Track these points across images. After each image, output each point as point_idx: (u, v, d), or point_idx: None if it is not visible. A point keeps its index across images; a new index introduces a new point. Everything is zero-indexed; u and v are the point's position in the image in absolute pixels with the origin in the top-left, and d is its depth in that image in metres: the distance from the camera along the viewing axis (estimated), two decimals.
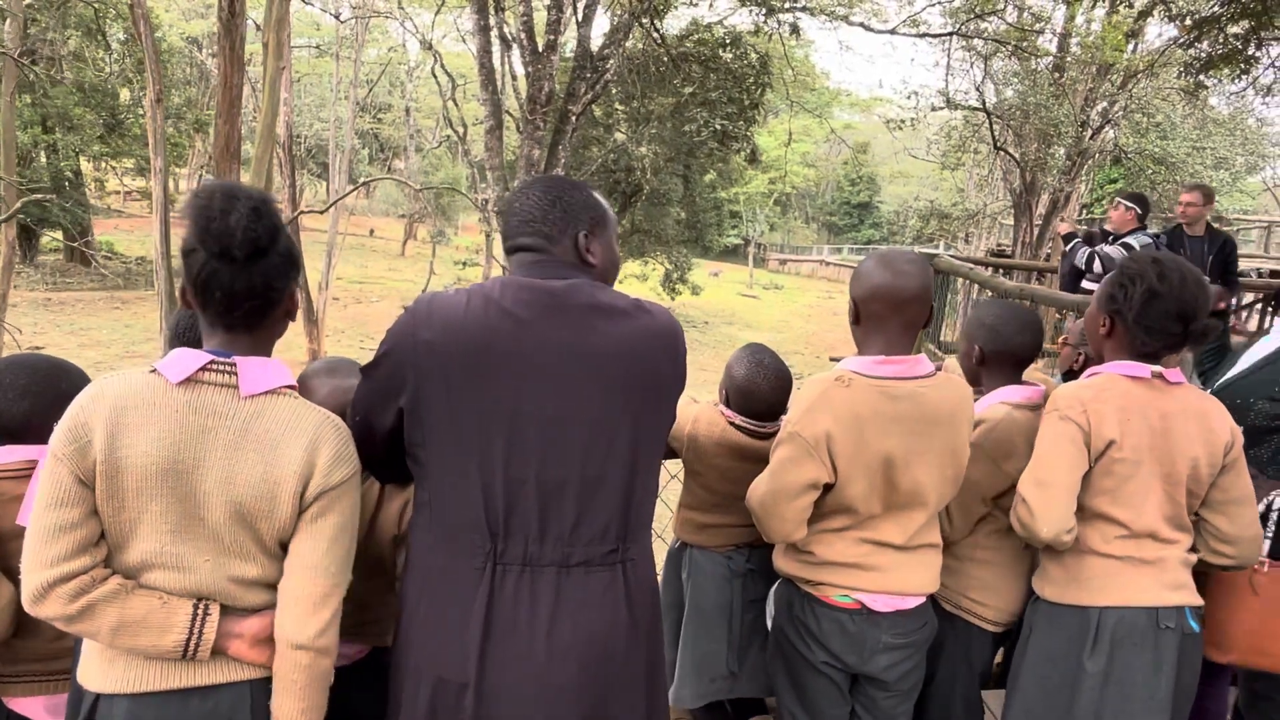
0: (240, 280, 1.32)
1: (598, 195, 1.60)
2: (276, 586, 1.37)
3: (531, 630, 1.39)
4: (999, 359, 2.10)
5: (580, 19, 13.04)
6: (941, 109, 14.95)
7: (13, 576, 1.39)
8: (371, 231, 36.73)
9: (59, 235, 20.02)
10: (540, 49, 12.22)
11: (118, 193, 30.92)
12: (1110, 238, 5.63)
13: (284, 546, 1.38)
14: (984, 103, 14.14)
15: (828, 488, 1.79)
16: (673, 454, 2.20)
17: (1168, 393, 1.85)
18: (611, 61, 13.56)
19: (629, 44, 13.75)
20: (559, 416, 1.40)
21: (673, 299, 25.79)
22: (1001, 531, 2.03)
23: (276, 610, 1.36)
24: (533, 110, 12.31)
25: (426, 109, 37.35)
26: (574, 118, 12.87)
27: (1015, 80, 14.36)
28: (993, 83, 15.34)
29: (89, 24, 18.37)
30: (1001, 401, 2.04)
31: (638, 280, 25.76)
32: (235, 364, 1.34)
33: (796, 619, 1.91)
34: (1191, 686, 1.88)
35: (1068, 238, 5.82)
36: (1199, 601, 1.88)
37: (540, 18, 12.63)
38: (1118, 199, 5.74)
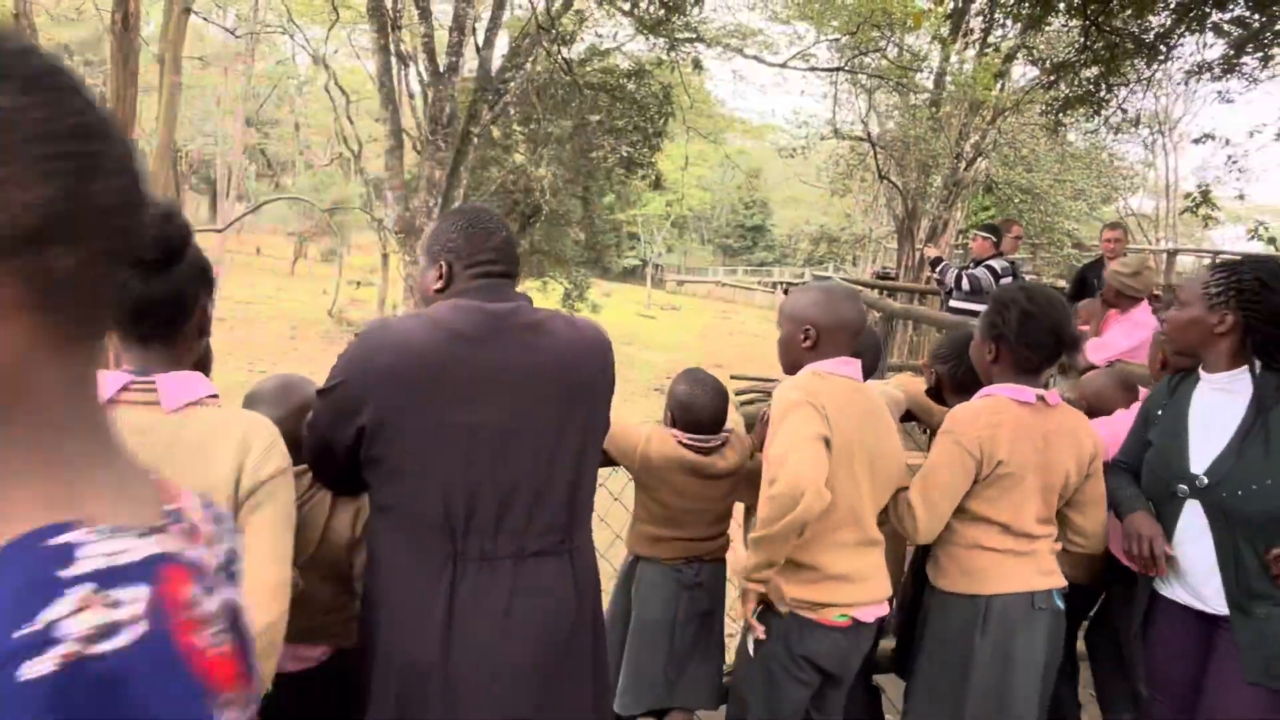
0: (152, 288, 1.34)
1: None
2: None
3: (490, 615, 1.52)
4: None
5: (482, 41, 13.13)
6: (829, 138, 15.74)
7: None
8: (258, 250, 35.45)
9: None
10: (441, 70, 12.25)
11: None
12: (973, 262, 6.36)
13: None
14: (869, 133, 14.99)
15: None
16: (612, 464, 2.35)
17: (1047, 414, 2.12)
18: (512, 84, 13.73)
19: (530, 67, 13.95)
20: (509, 427, 1.55)
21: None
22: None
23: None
24: (434, 131, 12.31)
25: (316, 124, 36.40)
26: (475, 138, 12.92)
27: (897, 113, 15.29)
28: (876, 115, 16.26)
29: None
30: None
31: (538, 296, 25.78)
32: (154, 381, 1.38)
33: (790, 649, 2.02)
34: (1058, 654, 2.17)
35: (934, 261, 6.47)
36: (1064, 583, 2.17)
37: (441, 38, 12.66)
38: (975, 232, 6.69)
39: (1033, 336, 2.08)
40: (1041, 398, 2.12)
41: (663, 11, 12.02)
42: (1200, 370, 2.08)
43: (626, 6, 12.97)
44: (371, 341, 1.55)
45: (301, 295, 26.52)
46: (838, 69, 14.32)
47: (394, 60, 12.60)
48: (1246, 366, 1.98)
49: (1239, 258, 2.10)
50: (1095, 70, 8.79)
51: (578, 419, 1.63)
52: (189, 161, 30.91)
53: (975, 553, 2.11)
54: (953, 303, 6.26)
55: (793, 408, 1.92)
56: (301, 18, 22.55)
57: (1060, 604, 2.14)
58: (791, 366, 2.07)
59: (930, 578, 2.20)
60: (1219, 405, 2.02)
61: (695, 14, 12.78)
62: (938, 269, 6.55)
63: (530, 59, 13.00)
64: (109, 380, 1.36)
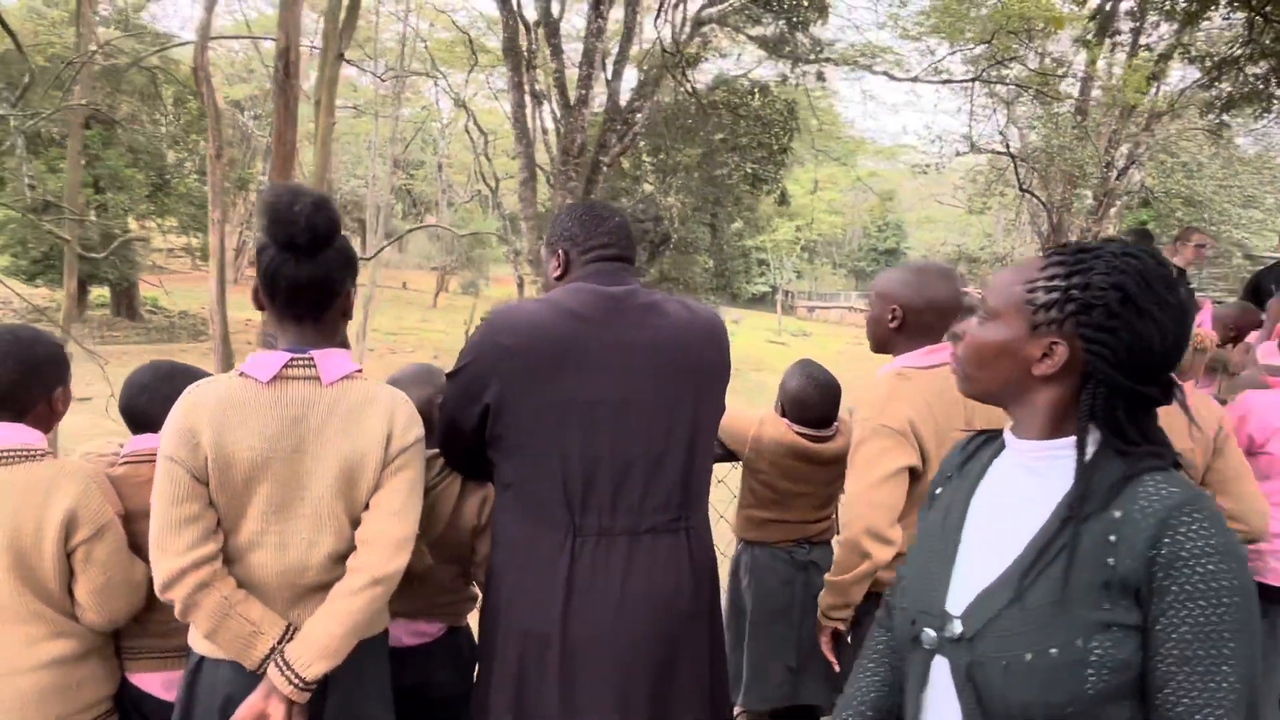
0: (303, 271, 1.49)
1: None
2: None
3: (607, 588, 1.56)
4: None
5: (610, 74, 13.48)
6: (965, 154, 15.18)
7: (144, 555, 1.57)
8: (404, 284, 37.47)
9: (106, 292, 20.73)
10: (572, 103, 12.65)
11: (160, 250, 32.02)
12: None
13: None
14: (1008, 146, 14.35)
15: (915, 477, 1.86)
16: (731, 456, 2.36)
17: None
18: (640, 114, 14.01)
19: (658, 96, 14.18)
20: (624, 403, 1.59)
21: None
22: None
23: (358, 553, 1.52)
24: (564, 162, 12.70)
25: (458, 164, 38.32)
26: (604, 168, 13.24)
27: (1039, 124, 14.58)
28: (1016, 127, 15.57)
29: (143, 89, 19.28)
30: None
31: None
32: (313, 358, 1.52)
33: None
34: None
35: None
36: None
37: (572, 74, 13.10)
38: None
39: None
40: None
41: (785, 28, 12.02)
42: (1006, 431, 1.19)
43: (751, 31, 13.04)
44: (495, 324, 1.62)
45: (443, 325, 27.83)
46: (973, 80, 13.82)
47: (528, 97, 13.12)
48: (1074, 436, 1.08)
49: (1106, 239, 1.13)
50: (1263, 66, 8.12)
51: (692, 396, 1.65)
52: (342, 202, 33.09)
53: None
54: None
55: (869, 437, 1.84)
56: (444, 64, 23.90)
57: None
58: (879, 346, 2.01)
59: None
60: (1020, 496, 1.14)
61: (818, 26, 12.72)
62: None
63: (657, 88, 13.23)
64: (271, 359, 1.50)
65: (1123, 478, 1.02)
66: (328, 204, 1.52)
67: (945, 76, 14.19)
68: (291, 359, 1.52)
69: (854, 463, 1.87)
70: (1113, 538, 1.00)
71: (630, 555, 1.58)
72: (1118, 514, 1.00)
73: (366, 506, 1.55)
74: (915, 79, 14.00)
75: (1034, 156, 14.31)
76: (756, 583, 2.34)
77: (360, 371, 1.59)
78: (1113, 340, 1.02)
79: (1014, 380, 1.11)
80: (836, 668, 1.95)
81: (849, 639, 1.98)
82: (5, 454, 1.57)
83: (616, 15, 13.27)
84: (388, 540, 1.52)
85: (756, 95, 13.87)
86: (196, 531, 1.43)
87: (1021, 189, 14.27)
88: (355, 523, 1.55)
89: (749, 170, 14.56)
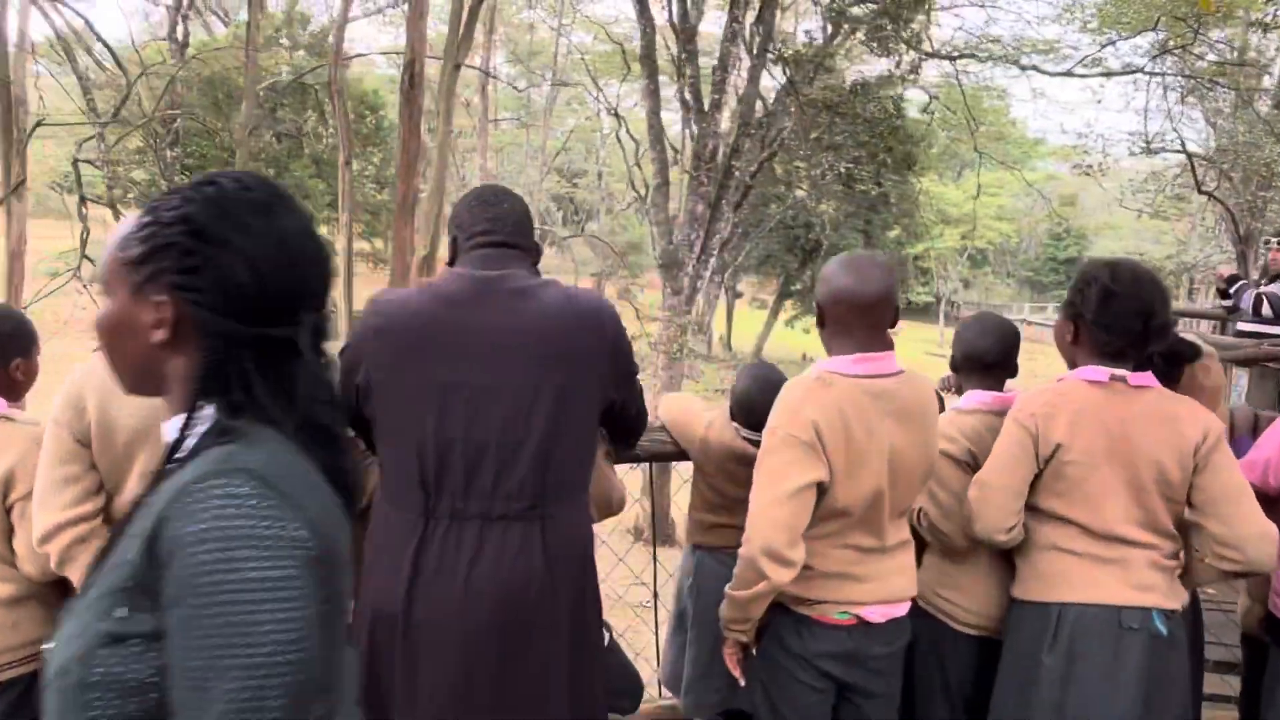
0: None
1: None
2: None
3: (454, 572, 1.57)
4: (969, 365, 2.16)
5: (746, 78, 13.39)
6: (1139, 154, 13.93)
7: None
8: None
9: None
10: (705, 108, 12.66)
11: (338, 254, 34.77)
12: (1267, 279, 5.27)
13: None
14: (1184, 145, 13.03)
15: (823, 491, 1.78)
16: (683, 455, 2.32)
17: (1130, 396, 1.82)
18: (781, 118, 13.81)
19: (800, 99, 13.89)
20: (483, 387, 1.59)
21: None
22: None
23: None
24: (696, 167, 12.72)
25: (619, 173, 39.24)
26: (737, 173, 13.15)
27: (1222, 119, 13.16)
28: (1200, 123, 14.14)
29: (324, 105, 21.07)
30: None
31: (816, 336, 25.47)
32: None
33: (788, 647, 1.87)
34: (1174, 694, 1.80)
35: (1230, 280, 5.43)
36: (1172, 605, 1.81)
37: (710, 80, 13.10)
38: (1269, 238, 5.51)
39: (1112, 318, 1.82)
40: (1120, 378, 1.81)
41: (891, 26, 11.47)
42: None
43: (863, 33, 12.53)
44: (369, 308, 1.68)
45: None
46: (1140, 72, 12.64)
47: (678, 102, 13.25)
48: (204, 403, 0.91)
49: None
50: None
51: (557, 385, 1.62)
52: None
53: (1052, 555, 1.85)
54: (1241, 325, 5.28)
55: (776, 448, 1.75)
56: (602, 74, 24.64)
57: (1162, 628, 1.78)
58: (827, 352, 1.89)
59: (1010, 592, 1.94)
60: None
61: (924, 21, 12.10)
62: (1232, 288, 5.54)
63: (794, 92, 13.00)
64: None
65: (191, 452, 0.86)
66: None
67: (1106, 69, 13.07)
68: None
69: (759, 474, 1.79)
70: (136, 528, 0.83)
71: (481, 541, 1.58)
72: (151, 498, 0.84)
73: None
74: (1068, 73, 12.98)
75: (1218, 156, 12.91)
76: (699, 587, 2.27)
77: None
78: (198, 280, 0.87)
79: (144, 358, 0.93)
80: (742, 681, 1.88)
81: (754, 651, 1.90)
82: None
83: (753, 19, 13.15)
84: None
85: (858, 95, 13.29)
86: (76, 490, 1.57)
87: (1200, 191, 12.91)
88: None
89: (841, 170, 13.98)
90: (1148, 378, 1.86)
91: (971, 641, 2.04)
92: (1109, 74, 12.93)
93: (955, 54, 14.66)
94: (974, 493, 1.88)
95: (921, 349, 33.63)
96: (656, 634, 2.95)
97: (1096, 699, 1.76)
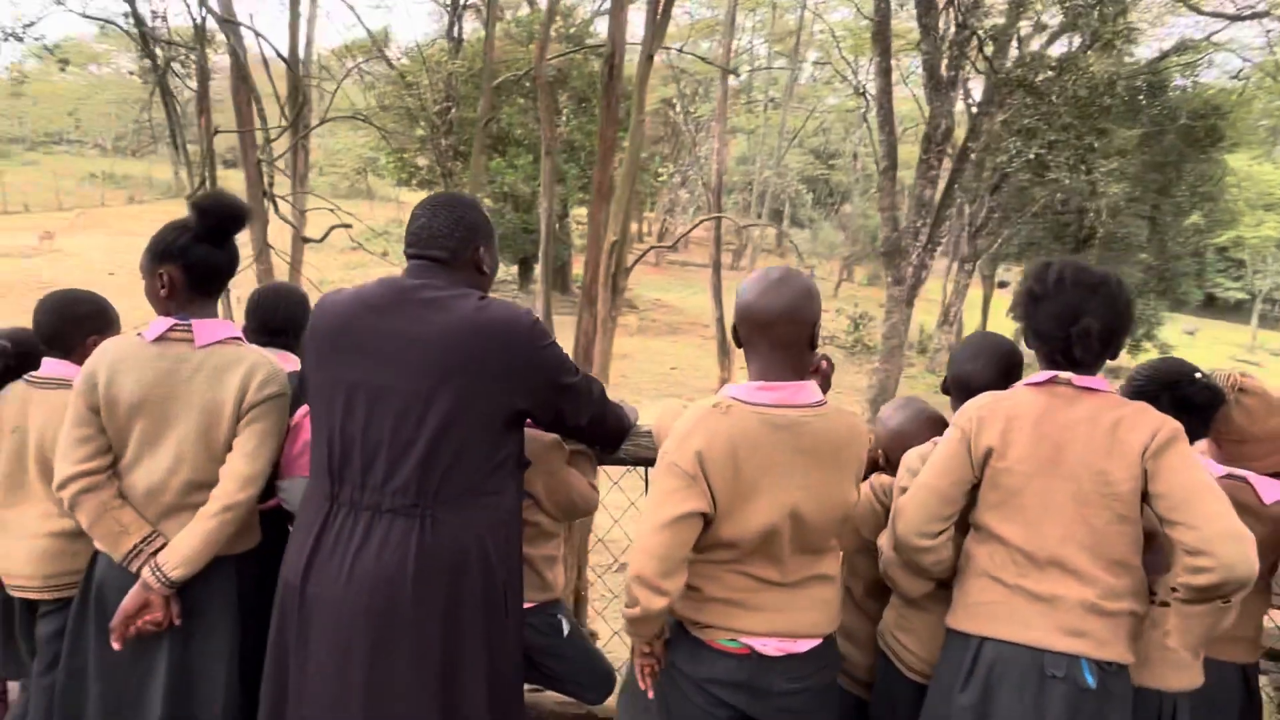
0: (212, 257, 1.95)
1: (486, 212, 1.88)
2: (208, 491, 1.88)
3: (343, 558, 1.71)
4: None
5: (990, 51, 12.34)
6: None
7: None
8: (811, 271, 37.97)
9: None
10: (941, 85, 11.86)
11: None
12: None
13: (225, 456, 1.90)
14: None
15: (709, 521, 1.70)
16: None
17: (1071, 400, 1.67)
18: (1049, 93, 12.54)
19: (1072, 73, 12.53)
20: (382, 387, 1.70)
21: (1134, 358, 22.34)
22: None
23: (217, 486, 1.87)
24: (926, 149, 11.98)
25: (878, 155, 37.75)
26: (972, 155, 12.21)
27: None
28: None
29: (581, 94, 22.31)
30: None
31: None
32: (190, 325, 1.90)
33: (681, 668, 1.80)
34: None
35: None
36: (1108, 656, 1.59)
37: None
38: None
39: (1039, 323, 1.72)
40: (1066, 380, 1.67)
41: None
42: None
43: None
44: (315, 307, 1.85)
45: (829, 317, 27.83)
46: None
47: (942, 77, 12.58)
48: None
49: None
50: None
51: (453, 392, 1.68)
52: (759, 191, 34.57)
53: (983, 583, 1.70)
54: None
55: (661, 475, 1.67)
56: (850, 53, 23.78)
57: (1090, 681, 1.57)
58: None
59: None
60: None
61: None
62: None
63: (990, 71, 11.78)
64: (161, 323, 1.91)
65: None
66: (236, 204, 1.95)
67: None
68: (174, 325, 1.91)
69: (649, 496, 1.74)
70: None
71: (369, 531, 1.70)
72: None
73: (231, 448, 1.90)
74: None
75: None
76: None
77: (237, 339, 1.95)
78: None
79: None
80: (650, 694, 1.83)
81: (660, 665, 1.85)
82: (46, 380, 2.21)
83: None
84: (238, 476, 1.87)
85: (1065, 71, 11.55)
86: (88, 449, 1.89)
87: None
88: (217, 460, 1.91)
89: (1033, 156, 12.28)
90: (1095, 380, 1.70)
91: (919, 689, 1.86)
92: None
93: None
94: (901, 494, 1.82)
95: (1226, 353, 29.28)
96: None
97: None
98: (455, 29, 21.79)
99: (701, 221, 14.23)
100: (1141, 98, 16.43)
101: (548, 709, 2.38)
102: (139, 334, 1.93)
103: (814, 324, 1.70)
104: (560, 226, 25.47)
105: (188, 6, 11.55)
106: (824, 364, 2.03)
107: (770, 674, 1.72)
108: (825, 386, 1.97)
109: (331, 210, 9.15)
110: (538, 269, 25.32)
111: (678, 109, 31.57)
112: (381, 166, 25.37)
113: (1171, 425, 1.61)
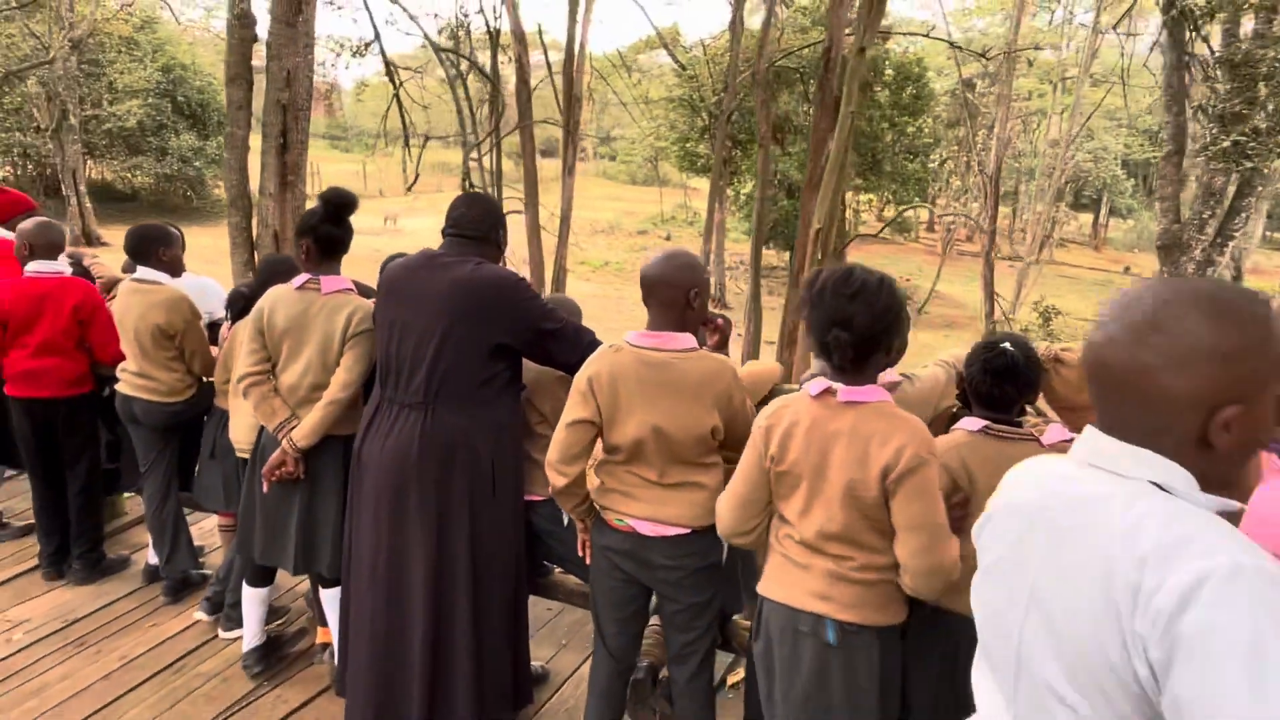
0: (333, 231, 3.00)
1: (500, 204, 2.62)
2: (324, 390, 2.78)
3: (383, 437, 2.52)
4: None
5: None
6: None
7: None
8: (1127, 269, 33.81)
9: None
10: (1237, 60, 10.46)
11: (866, 222, 35.61)
12: None
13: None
14: None
15: (601, 429, 2.25)
16: None
17: (838, 412, 1.85)
18: None
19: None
20: (409, 323, 2.49)
21: None
22: None
23: (329, 387, 2.75)
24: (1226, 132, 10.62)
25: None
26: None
27: None
28: None
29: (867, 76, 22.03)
30: None
31: None
32: (319, 279, 2.78)
33: (595, 539, 2.39)
34: (837, 705, 1.87)
35: None
36: (853, 618, 1.85)
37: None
38: None
39: (812, 330, 1.85)
40: (831, 391, 1.86)
41: None
42: None
43: None
44: (381, 267, 2.69)
45: None
46: None
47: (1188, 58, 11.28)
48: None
49: None
50: None
51: (445, 325, 2.43)
52: (1069, 176, 31.62)
53: (773, 555, 2.04)
54: None
55: (572, 391, 2.27)
56: (1107, 13, 21.03)
57: (831, 638, 1.86)
58: None
59: None
60: None
61: None
62: None
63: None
64: (300, 278, 2.84)
65: None
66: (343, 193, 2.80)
67: None
68: (309, 279, 2.82)
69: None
70: None
71: (395, 419, 2.50)
72: None
73: (339, 363, 2.81)
74: None
75: None
76: None
77: (349, 289, 2.83)
78: None
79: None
80: (588, 560, 2.45)
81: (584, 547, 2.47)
82: (143, 283, 3.42)
83: None
84: (339, 381, 2.75)
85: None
86: (256, 357, 2.84)
87: None
88: (330, 369, 2.80)
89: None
90: (860, 392, 1.83)
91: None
92: None
93: None
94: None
95: None
96: None
97: (783, 690, 1.94)
98: (737, 20, 22.50)
99: (903, 211, 13.64)
100: None
101: (569, 587, 3.04)
102: (291, 285, 2.87)
103: (688, 289, 2.17)
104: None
105: (486, 24, 13.35)
106: (719, 321, 2.46)
107: (649, 550, 2.26)
108: (725, 338, 2.44)
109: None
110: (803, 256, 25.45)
111: (977, 89, 29.83)
112: (668, 154, 26.96)
113: (913, 453, 1.74)
